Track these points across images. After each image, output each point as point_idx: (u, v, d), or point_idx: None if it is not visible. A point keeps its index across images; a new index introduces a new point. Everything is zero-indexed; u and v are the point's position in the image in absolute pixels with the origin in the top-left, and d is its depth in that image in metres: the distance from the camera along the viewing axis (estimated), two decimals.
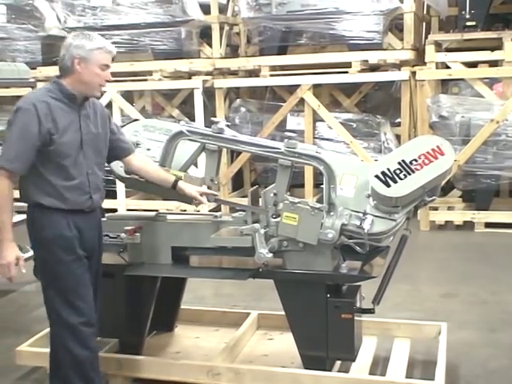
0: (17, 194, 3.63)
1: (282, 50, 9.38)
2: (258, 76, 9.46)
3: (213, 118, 4.23)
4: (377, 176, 3.71)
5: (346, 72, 8.90)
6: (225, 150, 5.81)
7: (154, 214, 4.40)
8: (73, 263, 3.64)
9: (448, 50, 8.87)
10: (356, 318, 3.92)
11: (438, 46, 8.84)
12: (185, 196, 4.10)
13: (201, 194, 4.09)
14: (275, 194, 3.95)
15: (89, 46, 3.59)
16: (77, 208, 3.66)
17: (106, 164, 4.05)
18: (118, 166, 4.25)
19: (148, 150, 4.21)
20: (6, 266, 3.51)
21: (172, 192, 4.18)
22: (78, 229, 3.68)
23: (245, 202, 4.23)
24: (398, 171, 3.70)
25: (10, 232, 3.54)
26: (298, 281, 3.94)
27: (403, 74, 8.95)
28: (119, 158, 4.04)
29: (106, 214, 4.44)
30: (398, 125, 9.55)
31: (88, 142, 3.70)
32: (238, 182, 10.38)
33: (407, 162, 3.72)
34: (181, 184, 4.07)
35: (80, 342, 3.66)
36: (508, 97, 8.24)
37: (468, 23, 8.47)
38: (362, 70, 8.92)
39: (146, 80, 9.63)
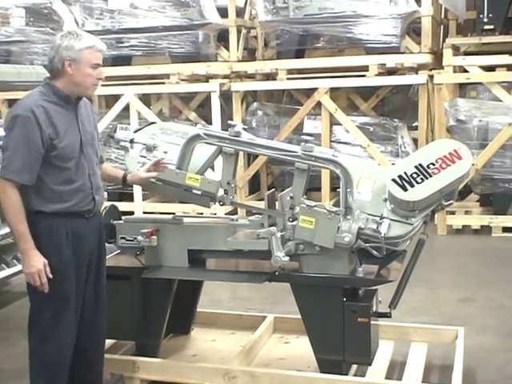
0: None
1: (300, 54, 9.36)
2: (275, 79, 9.47)
3: (230, 121, 4.24)
4: (394, 180, 3.71)
5: (364, 75, 8.87)
6: (241, 153, 5.80)
7: (170, 216, 4.41)
8: (63, 277, 3.59)
9: (466, 53, 8.84)
10: (372, 322, 3.90)
11: (456, 50, 8.81)
12: (138, 185, 4.13)
13: (148, 171, 4.02)
14: (292, 198, 3.94)
15: (78, 47, 3.52)
16: (78, 210, 3.62)
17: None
18: (134, 169, 4.26)
19: (165, 152, 4.22)
20: (37, 273, 3.47)
21: (188, 194, 4.20)
22: (77, 236, 3.63)
23: (261, 205, 4.23)
24: (415, 175, 3.69)
25: (31, 240, 3.49)
26: (314, 284, 3.93)
27: (421, 77, 8.93)
28: None
29: (123, 217, 4.46)
30: (416, 128, 9.52)
31: (87, 142, 3.67)
32: (254, 186, 10.39)
33: (424, 165, 3.71)
34: (128, 177, 4.05)
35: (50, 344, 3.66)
36: None
37: (486, 27, 8.43)
38: (380, 74, 8.89)
39: (163, 83, 9.65)
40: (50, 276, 3.51)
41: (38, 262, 3.48)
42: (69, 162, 3.56)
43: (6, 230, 3.63)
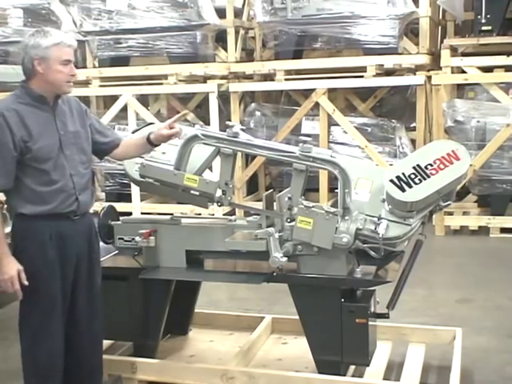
0: None
1: (298, 54, 9.35)
2: (273, 80, 9.46)
3: (228, 122, 4.23)
4: (392, 180, 3.70)
5: (362, 76, 8.87)
6: (239, 154, 5.81)
7: (168, 217, 4.41)
8: (48, 278, 3.56)
9: (464, 54, 8.83)
10: (370, 323, 3.90)
11: (454, 51, 8.80)
12: (163, 141, 3.93)
13: (170, 128, 3.88)
14: (290, 198, 3.94)
15: (45, 44, 3.45)
16: (63, 211, 3.56)
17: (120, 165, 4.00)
18: (132, 170, 4.26)
19: (163, 153, 4.21)
20: (9, 280, 3.44)
21: (185, 195, 4.19)
22: (62, 238, 3.58)
23: (259, 205, 4.23)
24: (413, 176, 3.69)
25: (6, 246, 3.46)
26: (312, 285, 3.93)
27: (419, 78, 8.92)
28: (106, 153, 3.97)
29: (121, 218, 4.45)
30: (414, 129, 9.52)
31: (67, 142, 3.60)
32: (252, 186, 10.38)
33: (422, 166, 3.71)
34: (152, 137, 3.88)
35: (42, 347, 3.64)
36: None
37: (484, 28, 8.42)
38: (378, 75, 8.88)
39: (161, 84, 9.65)
40: (26, 283, 3.47)
41: (11, 269, 3.45)
42: (45, 164, 3.50)
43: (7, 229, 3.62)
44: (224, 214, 8.13)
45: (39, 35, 3.49)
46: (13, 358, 4.88)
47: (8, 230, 3.59)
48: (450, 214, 8.62)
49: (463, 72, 8.58)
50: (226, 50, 9.75)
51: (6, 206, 3.70)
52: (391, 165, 8.09)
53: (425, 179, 3.68)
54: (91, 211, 3.83)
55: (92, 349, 3.90)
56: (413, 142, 9.40)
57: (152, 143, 3.92)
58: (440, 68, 8.62)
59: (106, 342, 4.51)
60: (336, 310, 3.88)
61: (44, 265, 3.55)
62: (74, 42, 3.59)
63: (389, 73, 9.33)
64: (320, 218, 3.79)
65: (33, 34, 3.52)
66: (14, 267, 3.46)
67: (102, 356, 4.03)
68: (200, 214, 7.69)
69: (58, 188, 3.54)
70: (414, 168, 3.71)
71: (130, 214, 8.71)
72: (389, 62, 8.81)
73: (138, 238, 4.18)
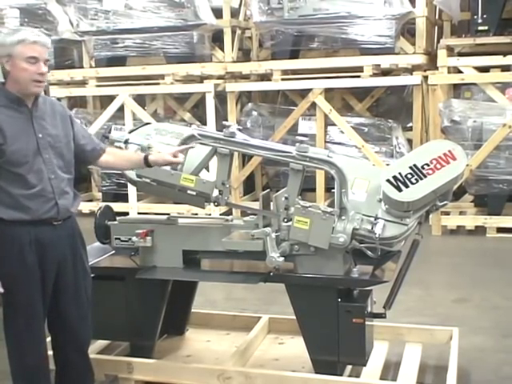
0: None
1: (294, 54, 9.36)
2: (269, 80, 9.47)
3: (224, 122, 4.23)
4: (388, 180, 3.70)
5: (358, 76, 8.88)
6: (236, 154, 5.80)
7: (165, 217, 4.40)
8: (28, 283, 3.51)
9: (460, 54, 8.85)
10: (367, 323, 3.90)
11: (450, 51, 8.81)
12: (160, 166, 3.91)
13: (174, 155, 3.85)
14: (286, 198, 3.94)
15: (9, 42, 3.37)
16: (42, 218, 3.48)
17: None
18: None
19: (159, 153, 4.20)
20: None
21: (182, 195, 4.19)
22: (43, 244, 3.50)
23: (256, 205, 4.23)
24: (409, 176, 3.69)
25: None
26: (309, 285, 3.93)
27: (415, 78, 8.94)
28: (89, 162, 3.91)
29: (118, 218, 4.45)
30: (410, 129, 9.54)
31: (46, 145, 3.50)
32: (249, 186, 10.38)
33: (419, 166, 3.71)
34: (151, 158, 3.84)
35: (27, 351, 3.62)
36: None
37: (480, 28, 8.43)
38: (374, 75, 8.90)
39: (158, 84, 9.65)
40: (1, 290, 3.41)
41: None
42: (21, 167, 3.41)
43: None
44: (221, 214, 8.14)
45: (6, 34, 3.42)
46: (6, 359, 4.87)
47: None
48: (447, 213, 8.63)
49: (460, 72, 8.59)
50: (222, 49, 9.75)
51: None
52: (388, 165, 8.09)
53: (421, 179, 3.68)
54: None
55: (80, 351, 3.85)
56: (409, 141, 9.42)
57: (148, 164, 3.87)
58: (436, 68, 8.62)
59: (103, 342, 4.51)
60: (333, 309, 3.88)
61: (23, 270, 3.49)
62: (43, 40, 3.46)
63: (385, 73, 9.34)
64: (317, 217, 3.79)
65: (1, 33, 3.46)
66: None
67: (89, 358, 3.94)
68: (197, 214, 7.69)
69: (36, 192, 3.45)
70: (410, 168, 3.71)
71: (126, 214, 8.70)
72: (385, 61, 8.81)
73: (134, 238, 4.18)
